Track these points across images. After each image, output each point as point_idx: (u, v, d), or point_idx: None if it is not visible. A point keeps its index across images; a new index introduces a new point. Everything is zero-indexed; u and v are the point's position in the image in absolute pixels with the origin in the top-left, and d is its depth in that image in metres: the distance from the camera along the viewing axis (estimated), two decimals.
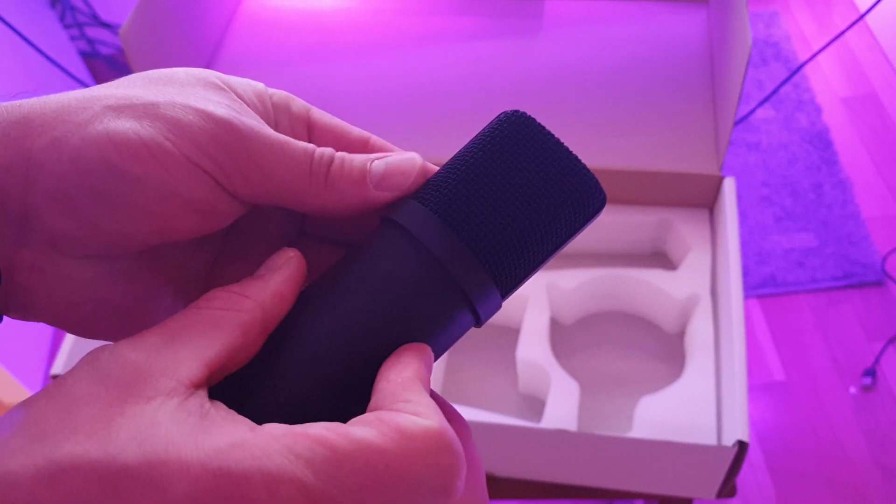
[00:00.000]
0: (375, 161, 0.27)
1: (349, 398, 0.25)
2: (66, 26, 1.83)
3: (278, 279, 0.25)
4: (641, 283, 0.77)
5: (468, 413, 0.67)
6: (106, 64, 1.91)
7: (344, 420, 0.22)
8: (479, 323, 0.28)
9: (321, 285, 0.27)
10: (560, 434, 0.63)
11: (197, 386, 0.22)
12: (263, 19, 1.00)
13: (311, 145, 0.27)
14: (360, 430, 0.21)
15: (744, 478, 1.32)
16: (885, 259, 1.56)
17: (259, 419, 0.22)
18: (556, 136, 0.28)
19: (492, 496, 0.71)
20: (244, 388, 0.24)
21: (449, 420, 0.24)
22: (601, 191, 0.29)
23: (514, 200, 0.27)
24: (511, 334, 0.78)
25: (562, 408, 0.68)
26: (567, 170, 0.28)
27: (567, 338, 0.80)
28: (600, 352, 0.79)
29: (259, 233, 0.29)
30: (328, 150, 0.27)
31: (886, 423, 1.37)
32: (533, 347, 0.72)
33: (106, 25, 1.87)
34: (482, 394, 0.77)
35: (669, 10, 0.97)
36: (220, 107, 0.25)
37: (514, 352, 0.74)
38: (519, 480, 0.71)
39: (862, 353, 1.45)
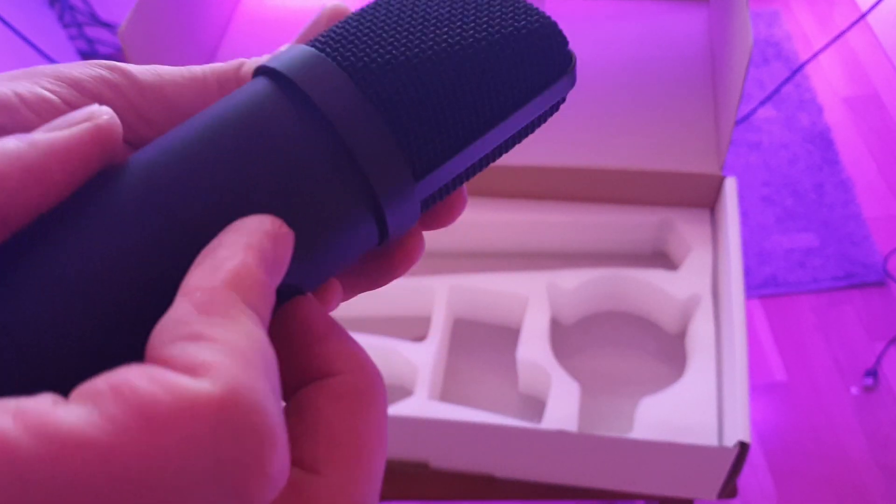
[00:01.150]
0: (286, 45, 0.21)
1: (133, 344, 0.16)
2: (65, 26, 1.83)
3: (46, 144, 0.17)
4: (642, 284, 0.77)
5: (468, 414, 0.67)
6: None
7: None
8: (384, 234, 0.19)
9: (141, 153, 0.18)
10: (560, 435, 0.63)
11: None
12: (263, 19, 1.00)
13: (214, 64, 0.22)
14: (67, 412, 0.13)
15: (745, 478, 1.31)
16: (886, 259, 1.56)
17: None
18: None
19: (491, 497, 0.71)
20: None
21: (333, 368, 0.17)
22: (564, 42, 0.21)
23: (439, 46, 0.19)
24: (511, 334, 0.77)
25: (562, 408, 0.68)
26: (514, 10, 0.20)
27: (567, 338, 0.79)
28: (601, 352, 0.79)
29: None
30: (233, 61, 0.22)
31: (888, 424, 1.37)
32: (533, 348, 0.72)
33: (105, 25, 1.87)
34: (482, 394, 0.76)
35: (670, 10, 0.97)
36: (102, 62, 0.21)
37: (514, 352, 0.74)
38: (519, 481, 0.70)
39: (863, 354, 1.45)
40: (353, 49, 0.19)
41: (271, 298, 0.16)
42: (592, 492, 0.70)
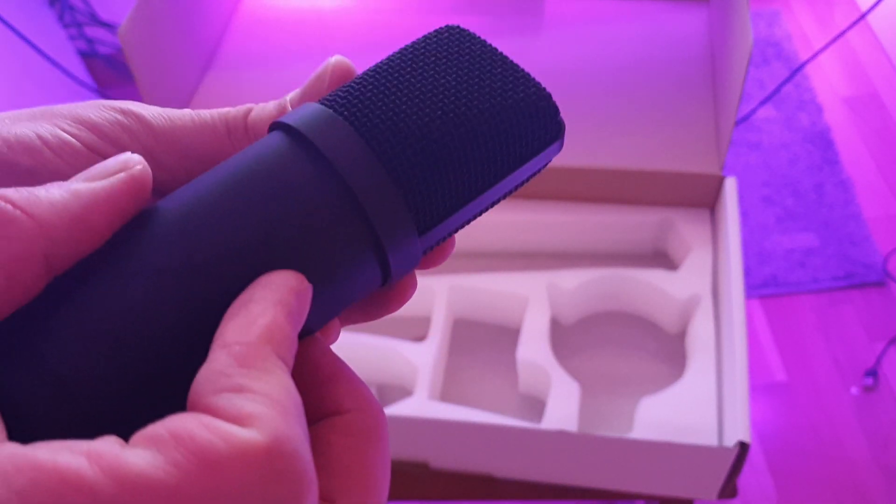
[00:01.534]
0: (292, 94, 0.23)
1: (174, 384, 0.17)
2: (65, 26, 1.83)
3: (89, 194, 0.18)
4: (642, 284, 0.77)
5: (468, 414, 0.67)
6: (105, 63, 1.91)
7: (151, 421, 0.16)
8: (387, 279, 0.21)
9: (162, 207, 0.19)
10: (560, 435, 0.63)
11: None
12: (263, 19, 1.00)
13: (222, 109, 0.23)
14: (135, 455, 0.14)
15: (745, 478, 1.31)
16: (886, 259, 1.56)
17: (17, 412, 0.16)
18: None
19: (491, 497, 0.71)
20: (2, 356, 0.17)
21: (342, 407, 0.19)
22: (556, 112, 0.23)
23: (446, 114, 0.20)
24: (511, 334, 0.77)
25: (562, 408, 0.68)
26: (514, 82, 0.22)
27: (567, 338, 0.79)
28: (601, 352, 0.79)
29: None
30: (241, 107, 0.23)
31: (888, 424, 1.37)
32: (533, 348, 0.72)
33: (105, 25, 1.87)
34: (482, 394, 0.76)
35: (670, 10, 0.97)
36: (114, 105, 0.22)
37: (514, 352, 0.74)
38: (519, 481, 0.70)
39: (863, 354, 1.45)
40: (366, 111, 0.20)
41: (295, 348, 0.18)
42: (592, 492, 0.70)
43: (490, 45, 0.23)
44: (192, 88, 0.89)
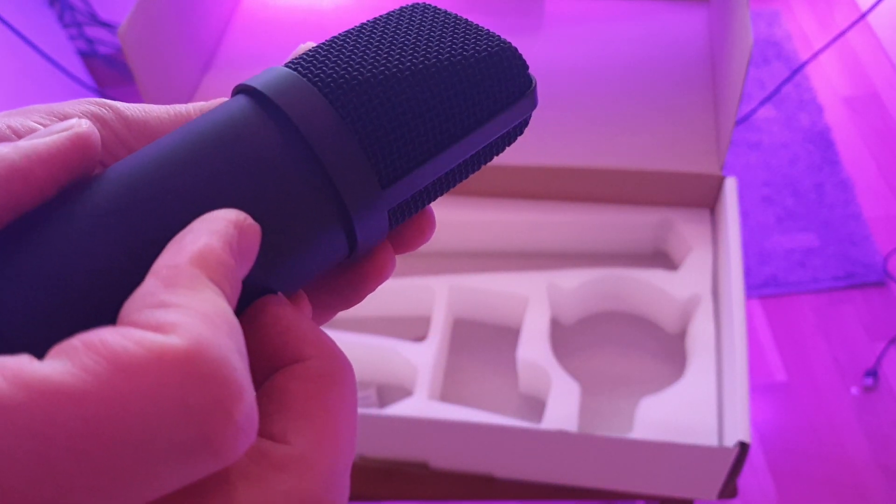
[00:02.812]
0: None
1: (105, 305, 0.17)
2: (65, 25, 1.83)
3: (29, 148, 0.18)
4: (642, 284, 0.77)
5: (468, 414, 0.67)
6: (105, 63, 1.91)
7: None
8: (353, 241, 0.21)
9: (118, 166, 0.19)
10: (560, 435, 0.63)
11: None
12: (263, 19, 1.00)
13: (198, 103, 0.23)
14: (44, 365, 0.14)
15: (745, 479, 1.31)
16: (886, 259, 1.56)
17: None
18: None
19: (491, 497, 0.71)
20: None
21: (303, 354, 0.19)
22: (524, 66, 0.22)
23: (404, 66, 0.20)
24: (511, 334, 0.77)
25: (562, 408, 0.68)
26: (478, 38, 0.22)
27: (568, 338, 0.79)
28: (601, 352, 0.79)
29: None
30: (216, 100, 0.23)
31: (888, 424, 1.37)
32: (533, 348, 0.72)
33: (105, 25, 1.87)
34: (482, 394, 0.76)
35: (670, 10, 0.97)
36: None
37: (514, 352, 0.74)
38: (519, 481, 0.70)
39: (863, 354, 1.45)
40: (323, 68, 0.20)
41: (237, 284, 0.18)
42: (592, 492, 0.70)
43: (456, 14, 0.22)
44: (192, 88, 0.89)
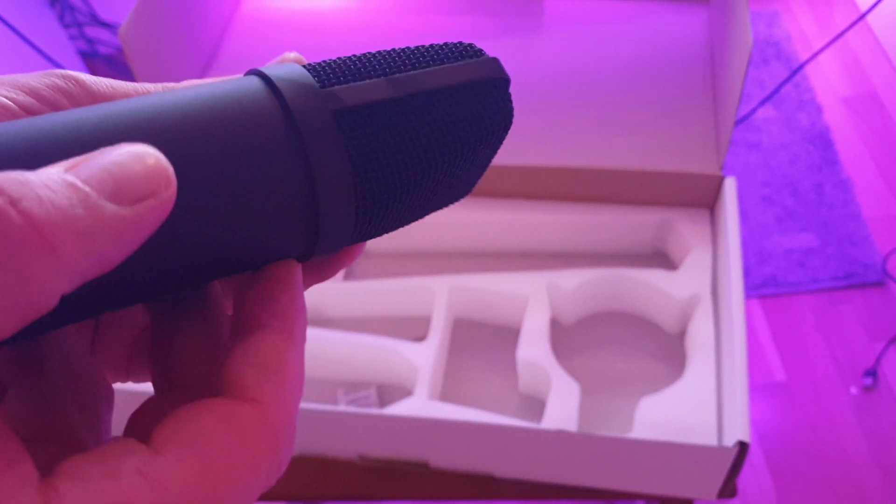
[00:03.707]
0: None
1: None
2: (66, 26, 1.83)
3: (117, 222, 0.16)
4: (642, 284, 0.77)
5: (468, 413, 0.67)
6: (105, 64, 1.91)
7: None
8: (304, 256, 0.21)
9: None
10: (560, 434, 0.63)
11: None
12: (263, 19, 1.00)
13: (168, 83, 0.22)
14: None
15: (744, 478, 1.32)
16: (886, 259, 1.56)
17: None
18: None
19: (491, 497, 0.71)
20: None
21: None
22: (504, 92, 0.23)
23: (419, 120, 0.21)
24: (511, 334, 0.77)
25: (562, 408, 0.68)
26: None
27: (567, 338, 0.80)
28: (601, 352, 0.79)
29: None
30: (186, 81, 0.22)
31: (887, 424, 1.37)
32: (533, 348, 0.72)
33: (105, 25, 1.87)
34: (482, 394, 0.76)
35: (670, 10, 0.97)
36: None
37: (514, 352, 0.74)
38: (519, 481, 0.71)
39: (863, 354, 1.45)
40: (338, 84, 0.21)
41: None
42: (592, 492, 0.70)
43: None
44: None
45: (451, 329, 0.79)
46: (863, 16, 1.17)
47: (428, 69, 0.21)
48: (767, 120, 1.80)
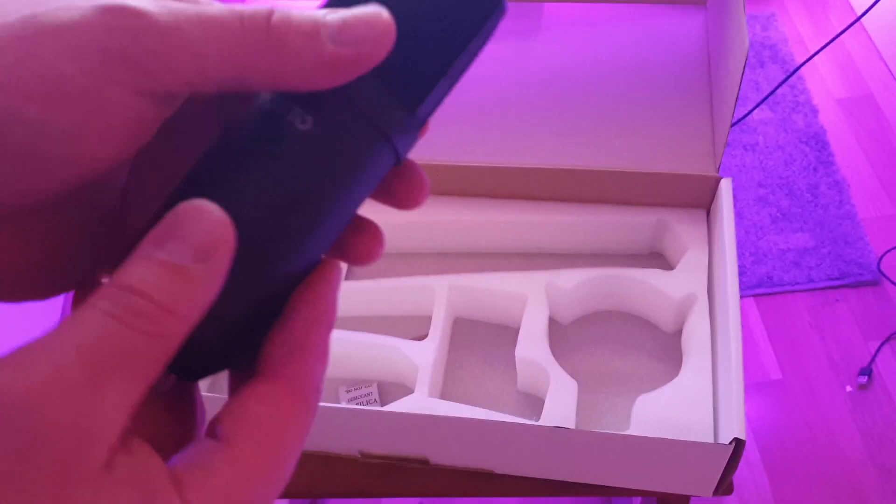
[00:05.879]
0: (329, 14, 0.21)
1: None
2: None
3: (201, 286, 0.19)
4: (639, 283, 0.78)
5: (468, 411, 0.68)
6: None
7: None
8: (398, 159, 0.25)
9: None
10: (558, 431, 0.64)
11: (124, 438, 0.18)
12: None
13: (227, 4, 0.21)
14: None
15: (741, 475, 1.32)
16: (880, 259, 1.57)
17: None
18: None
19: (491, 493, 0.72)
20: None
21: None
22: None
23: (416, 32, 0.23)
24: (510, 333, 0.78)
25: (560, 405, 0.69)
26: None
27: (565, 337, 0.80)
28: (598, 350, 0.79)
29: (177, 134, 0.23)
30: (259, 6, 0.20)
31: (882, 422, 1.38)
32: (532, 346, 0.73)
33: None
34: (481, 392, 0.77)
35: (667, 13, 0.98)
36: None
37: (513, 350, 0.74)
38: (517, 477, 0.71)
39: (858, 352, 1.46)
40: None
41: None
42: (590, 488, 0.70)
43: None
44: None
45: (450, 328, 0.80)
46: (858, 18, 1.18)
47: None
48: (763, 121, 1.81)
